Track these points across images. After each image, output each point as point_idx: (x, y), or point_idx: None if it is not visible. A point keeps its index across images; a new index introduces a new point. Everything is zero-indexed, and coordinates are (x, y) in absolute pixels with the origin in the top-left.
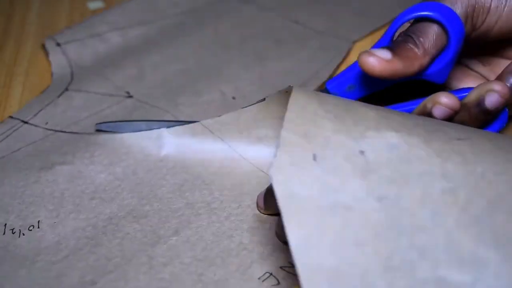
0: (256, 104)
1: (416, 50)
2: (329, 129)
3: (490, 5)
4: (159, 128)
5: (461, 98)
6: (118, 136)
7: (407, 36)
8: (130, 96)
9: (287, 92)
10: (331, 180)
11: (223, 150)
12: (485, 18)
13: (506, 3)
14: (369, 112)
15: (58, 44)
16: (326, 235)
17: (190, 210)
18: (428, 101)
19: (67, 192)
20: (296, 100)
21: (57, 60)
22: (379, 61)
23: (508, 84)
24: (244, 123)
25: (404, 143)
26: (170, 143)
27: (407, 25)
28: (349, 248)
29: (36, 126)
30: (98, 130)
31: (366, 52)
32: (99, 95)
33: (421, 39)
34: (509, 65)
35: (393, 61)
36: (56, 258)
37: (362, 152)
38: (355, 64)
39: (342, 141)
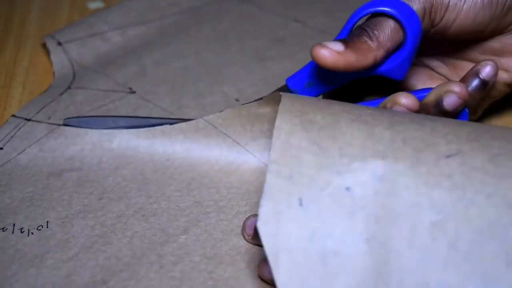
0: (256, 101)
1: (370, 42)
2: (314, 165)
3: (449, 1)
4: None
5: (421, 98)
6: (124, 135)
7: (362, 29)
8: (133, 92)
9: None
10: (318, 225)
11: (228, 145)
12: (444, 14)
13: (465, 0)
14: (355, 132)
15: (60, 44)
16: (315, 287)
17: (199, 209)
18: (387, 101)
19: (75, 194)
20: (281, 128)
21: (59, 60)
22: (330, 53)
23: (470, 86)
24: (246, 117)
25: (390, 173)
26: (175, 140)
27: (364, 20)
28: None
29: (39, 122)
30: (66, 125)
31: (319, 44)
32: (102, 91)
33: (375, 32)
34: (472, 67)
35: (345, 53)
36: (66, 256)
37: (348, 189)
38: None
39: (328, 179)
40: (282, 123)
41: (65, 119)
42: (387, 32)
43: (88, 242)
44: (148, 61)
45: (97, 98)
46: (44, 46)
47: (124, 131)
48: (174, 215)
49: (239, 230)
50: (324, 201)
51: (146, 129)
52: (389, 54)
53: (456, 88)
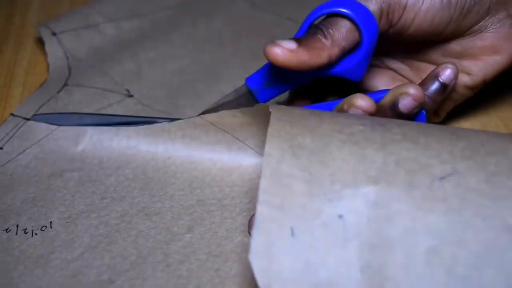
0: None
1: (324, 40)
2: (305, 194)
3: (407, 2)
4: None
5: (379, 100)
6: (124, 133)
7: (317, 28)
8: (131, 95)
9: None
10: (311, 256)
11: (228, 141)
12: (402, 15)
13: (423, 1)
14: (346, 156)
15: (54, 34)
16: None
17: (202, 207)
18: (344, 103)
19: (77, 194)
20: (270, 155)
21: (54, 51)
22: (283, 51)
23: (430, 89)
24: (242, 117)
25: (384, 199)
26: (175, 137)
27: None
28: None
29: (38, 121)
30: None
31: (272, 42)
32: (100, 90)
33: (330, 30)
34: (433, 70)
35: (298, 51)
36: (72, 256)
37: (340, 217)
38: None
39: (319, 208)
40: (272, 149)
41: (32, 115)
42: (342, 31)
43: (93, 241)
44: (144, 59)
45: (95, 99)
46: (42, 45)
47: (123, 128)
48: (178, 214)
49: (243, 227)
50: (316, 230)
51: (145, 126)
52: (344, 54)
53: (412, 90)
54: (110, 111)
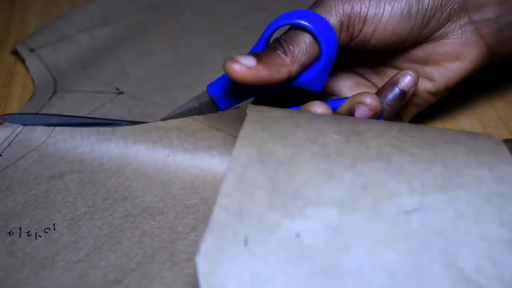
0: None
1: (284, 57)
2: (265, 204)
3: (366, 15)
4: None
5: (337, 107)
6: (122, 132)
7: (278, 43)
8: (121, 92)
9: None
10: (261, 270)
11: (222, 139)
12: (362, 27)
13: (383, 13)
14: (314, 171)
15: (32, 50)
16: None
17: (205, 206)
18: (302, 110)
19: (79, 196)
20: (237, 159)
21: (35, 66)
22: (241, 68)
23: (388, 96)
24: (231, 117)
25: (345, 225)
26: (171, 135)
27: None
28: None
29: (35, 125)
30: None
31: (231, 58)
32: (90, 92)
33: (290, 46)
34: (392, 77)
35: (256, 68)
36: (77, 258)
37: (298, 235)
38: None
39: (278, 221)
40: (239, 153)
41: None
42: (302, 46)
43: (98, 242)
44: (126, 59)
45: (87, 101)
46: (17, 52)
47: (119, 128)
48: (181, 213)
49: None
50: (271, 245)
51: (142, 125)
52: (305, 68)
53: (368, 100)
54: (104, 110)
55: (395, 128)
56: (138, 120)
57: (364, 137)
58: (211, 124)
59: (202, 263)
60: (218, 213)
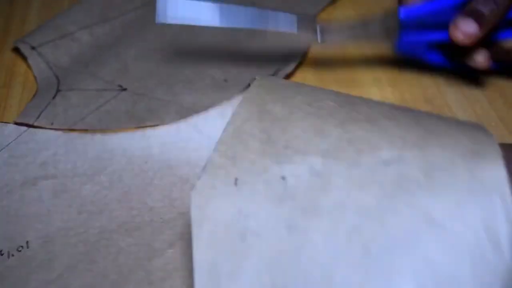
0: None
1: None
2: (258, 152)
3: None
4: None
5: None
6: (98, 138)
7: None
8: (124, 89)
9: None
10: (246, 206)
11: (208, 146)
12: None
13: None
14: (305, 127)
15: (33, 48)
16: (229, 261)
17: (183, 221)
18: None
19: (53, 208)
20: (238, 114)
21: (37, 64)
22: (464, 35)
23: None
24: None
25: (327, 171)
26: (149, 137)
27: None
28: (248, 276)
29: (6, 123)
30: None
31: (454, 26)
32: (94, 91)
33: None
34: None
35: (478, 35)
36: (51, 277)
37: (283, 178)
38: None
39: (266, 165)
40: (241, 109)
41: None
42: None
43: (72, 261)
44: (127, 57)
45: (91, 99)
46: (18, 50)
47: (98, 130)
48: (158, 228)
49: None
50: (258, 185)
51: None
52: None
53: None
54: (108, 107)
55: (387, 105)
56: (143, 115)
57: (357, 107)
58: (200, 128)
59: (195, 197)
60: (214, 157)
